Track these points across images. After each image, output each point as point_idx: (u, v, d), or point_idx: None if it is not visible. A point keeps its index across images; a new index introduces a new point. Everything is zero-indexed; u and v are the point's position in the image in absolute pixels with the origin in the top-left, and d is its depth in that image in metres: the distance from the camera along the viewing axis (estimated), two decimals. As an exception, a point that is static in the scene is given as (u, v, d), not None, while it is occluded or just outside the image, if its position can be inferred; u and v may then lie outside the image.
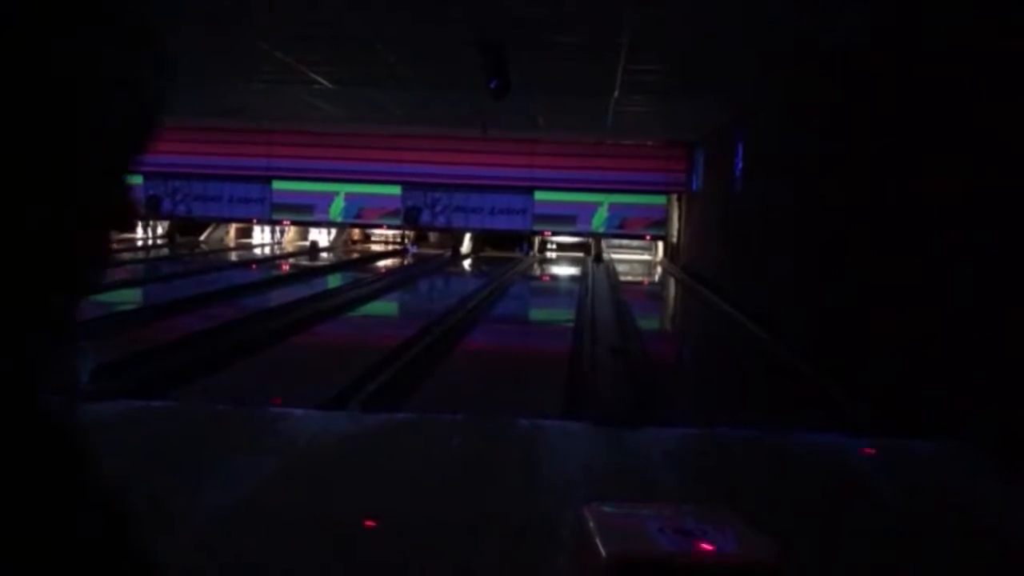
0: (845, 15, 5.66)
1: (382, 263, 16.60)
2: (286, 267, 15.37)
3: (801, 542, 2.65)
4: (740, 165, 11.01)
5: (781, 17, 5.77)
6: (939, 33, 5.11)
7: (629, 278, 15.04)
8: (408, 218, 17.35)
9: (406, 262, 16.93)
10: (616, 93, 9.29)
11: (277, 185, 17.29)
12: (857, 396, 5.42)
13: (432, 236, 19.45)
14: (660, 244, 18.26)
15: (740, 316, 9.32)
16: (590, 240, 17.87)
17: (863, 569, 2.79)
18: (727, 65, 7.79)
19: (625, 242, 18.85)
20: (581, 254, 18.14)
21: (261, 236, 20.11)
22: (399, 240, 19.35)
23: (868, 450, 4.01)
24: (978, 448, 3.99)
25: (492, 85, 7.04)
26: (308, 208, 17.53)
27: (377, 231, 19.34)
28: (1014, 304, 4.09)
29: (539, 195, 17.02)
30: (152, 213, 17.91)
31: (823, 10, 5.52)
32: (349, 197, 17.39)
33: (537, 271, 16.64)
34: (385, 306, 11.28)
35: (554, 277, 16.10)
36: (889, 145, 5.77)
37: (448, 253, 17.90)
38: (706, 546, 1.71)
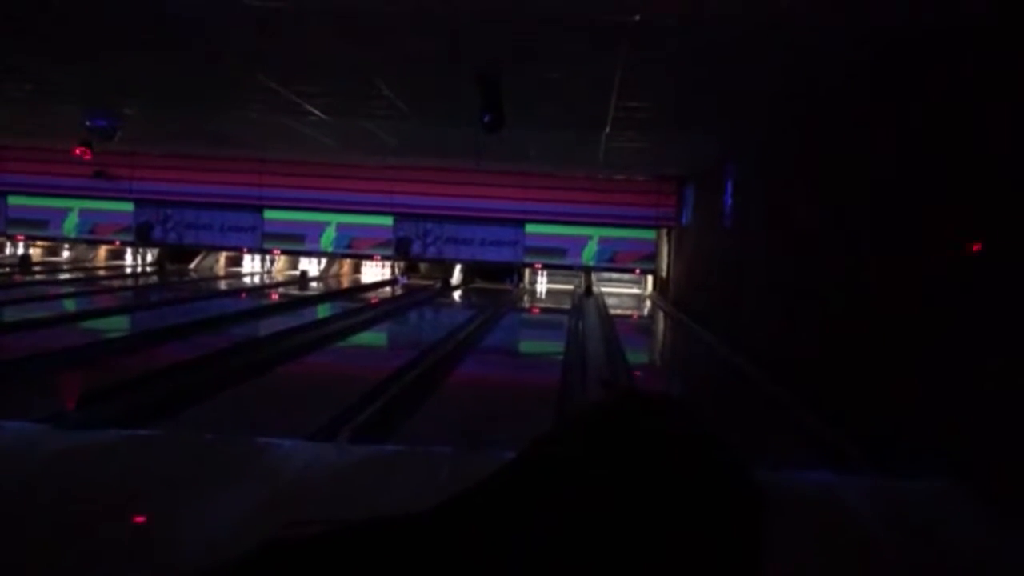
0: (835, 59, 5.78)
1: (372, 293, 16.58)
2: (275, 296, 15.33)
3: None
4: (729, 201, 11.13)
5: (771, 62, 5.88)
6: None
7: (619, 311, 15.07)
8: (399, 249, 17.39)
9: (396, 293, 16.92)
10: (608, 128, 9.39)
11: (269, 214, 17.32)
12: (845, 433, 5.43)
13: (423, 267, 19.49)
14: (650, 278, 18.36)
15: (729, 351, 9.35)
16: (580, 273, 17.94)
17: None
18: (717, 104, 7.90)
19: (615, 276, 18.93)
20: (571, 287, 18.19)
21: (251, 265, 20.09)
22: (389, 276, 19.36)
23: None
24: (970, 487, 4.00)
25: (485, 119, 7.11)
26: (299, 237, 17.55)
27: (369, 263, 19.35)
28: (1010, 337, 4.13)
29: (530, 227, 17.12)
30: (143, 240, 17.89)
31: (810, 54, 5.63)
32: (340, 227, 17.43)
33: (527, 303, 16.67)
34: (375, 336, 11.26)
35: (544, 309, 16.12)
36: (881, 179, 5.86)
37: (438, 284, 17.92)
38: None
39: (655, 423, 0.65)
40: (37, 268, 17.35)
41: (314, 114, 9.41)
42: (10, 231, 18.08)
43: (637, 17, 4.91)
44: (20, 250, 18.63)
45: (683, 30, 5.16)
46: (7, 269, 16.71)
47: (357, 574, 0.60)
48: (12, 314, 10.15)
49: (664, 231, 17.07)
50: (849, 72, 6.10)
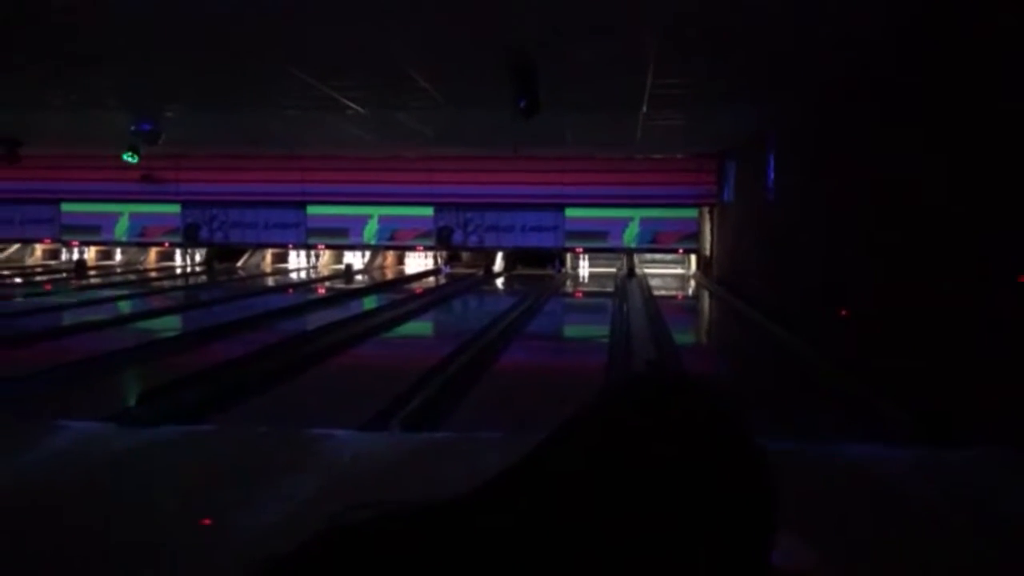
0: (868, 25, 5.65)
1: (416, 284, 16.73)
2: (322, 290, 15.57)
3: (840, 552, 2.63)
4: (772, 175, 10.95)
5: (808, 28, 5.77)
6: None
7: (663, 292, 14.97)
8: (441, 238, 17.49)
9: (440, 282, 17.05)
10: (645, 107, 9.31)
11: (311, 210, 17.56)
12: (901, 408, 5.35)
13: (465, 256, 19.58)
14: (693, 257, 18.18)
15: (777, 328, 9.24)
16: (622, 256, 17.85)
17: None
18: (755, 80, 7.78)
19: (658, 257, 18.79)
20: (614, 270, 18.12)
21: (297, 260, 20.40)
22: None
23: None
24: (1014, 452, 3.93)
25: (521, 105, 7.11)
26: (343, 232, 17.77)
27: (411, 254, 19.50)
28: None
29: (570, 212, 17.07)
30: (191, 241, 18.30)
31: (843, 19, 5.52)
32: (382, 220, 17.60)
33: (570, 288, 16.65)
34: (420, 326, 11.37)
35: (587, 293, 16.09)
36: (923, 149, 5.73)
37: (481, 272, 17.99)
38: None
39: (671, 403, 0.66)
40: (92, 272, 17.87)
41: (351, 108, 9.51)
42: (64, 237, 18.64)
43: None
44: (75, 255, 19.21)
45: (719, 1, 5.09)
46: (64, 275, 17.24)
47: (408, 557, 0.63)
48: (72, 317, 10.49)
49: (706, 209, 16.88)
50: (896, 35, 5.96)
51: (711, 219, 16.64)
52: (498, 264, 18.93)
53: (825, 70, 7.29)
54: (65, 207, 18.19)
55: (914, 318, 5.76)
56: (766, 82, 8.10)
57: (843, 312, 4.32)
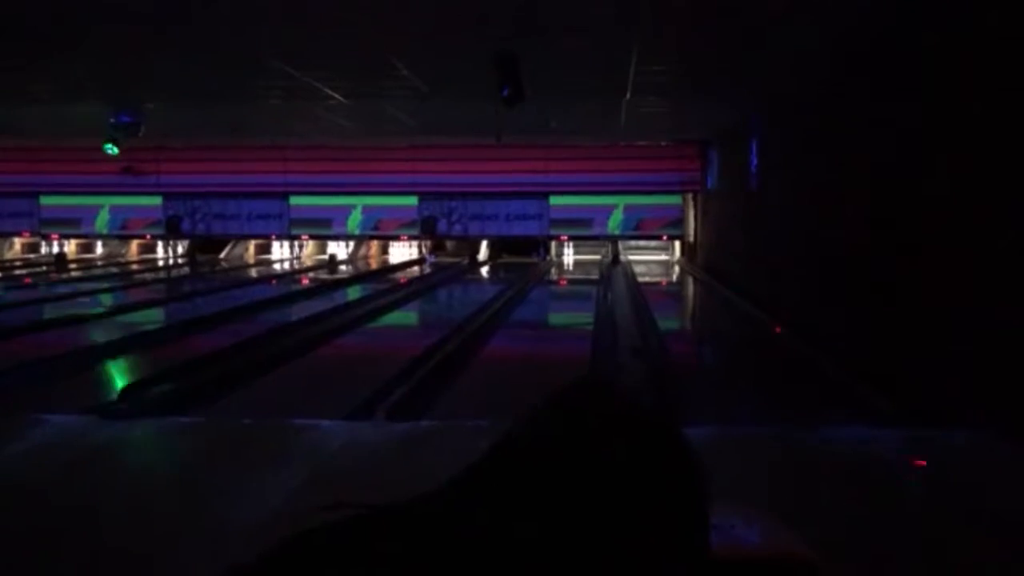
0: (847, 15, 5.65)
1: (401, 274, 16.68)
2: (306, 281, 15.49)
3: (829, 536, 2.65)
4: (755, 162, 10.99)
5: (784, 19, 5.77)
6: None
7: (647, 279, 15.01)
8: (425, 228, 17.44)
9: (424, 272, 17.01)
10: (628, 95, 9.30)
11: (294, 200, 17.45)
12: (881, 392, 5.39)
13: (449, 245, 19.54)
14: (677, 244, 18.24)
15: (760, 313, 9.28)
16: (607, 243, 17.87)
17: (894, 563, 2.78)
18: (737, 65, 7.78)
19: (642, 243, 18.83)
20: (598, 257, 18.14)
21: (280, 251, 20.29)
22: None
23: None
24: (1005, 436, 3.96)
25: (504, 93, 7.08)
26: (326, 222, 17.67)
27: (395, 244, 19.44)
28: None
29: (554, 200, 17.07)
30: (173, 233, 18.14)
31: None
32: (366, 209, 17.52)
33: (555, 275, 16.66)
34: (405, 316, 11.34)
35: (572, 281, 16.11)
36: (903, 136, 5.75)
37: (465, 261, 17.96)
38: (735, 539, 1.71)
39: (599, 407, 0.71)
40: (72, 266, 17.69)
41: (333, 97, 9.43)
42: (44, 230, 18.43)
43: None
44: (55, 248, 19.00)
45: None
46: (44, 268, 17.06)
47: (377, 558, 0.65)
48: (52, 311, 10.38)
49: (690, 196, 16.92)
50: (877, 25, 5.97)
51: (695, 206, 16.68)
52: (483, 253, 18.90)
53: (807, 58, 7.31)
54: (44, 200, 17.98)
55: (899, 301, 5.80)
56: (747, 70, 8.11)
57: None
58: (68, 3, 5.57)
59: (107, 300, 12.28)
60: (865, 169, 6.54)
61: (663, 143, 16.15)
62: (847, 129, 7.06)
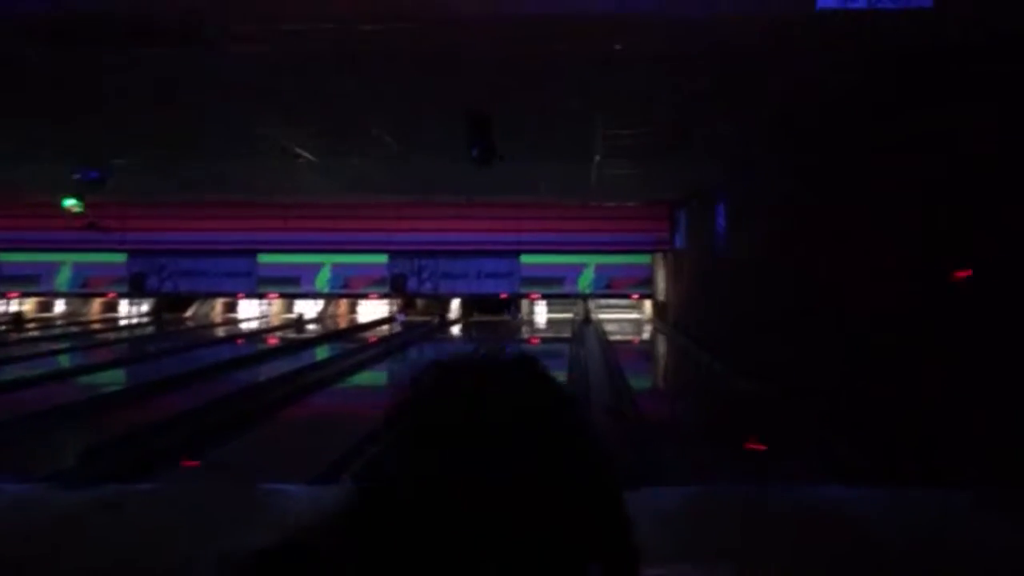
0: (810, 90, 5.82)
1: (370, 333, 16.53)
2: (273, 340, 15.27)
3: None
4: (722, 223, 11.16)
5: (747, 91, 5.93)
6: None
7: (619, 337, 15.04)
8: (395, 286, 17.37)
9: (394, 331, 16.87)
10: (598, 156, 9.44)
11: (262, 258, 17.31)
12: (856, 448, 5.39)
13: (420, 303, 19.46)
14: (648, 302, 18.35)
15: (729, 370, 9.30)
16: (578, 301, 17.93)
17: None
18: (705, 131, 7.95)
19: (614, 302, 18.92)
20: (570, 315, 18.17)
21: (248, 310, 20.04)
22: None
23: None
24: (983, 494, 3.96)
25: (475, 153, 7.14)
26: (294, 280, 17.53)
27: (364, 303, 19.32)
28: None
29: (525, 258, 17.13)
30: (137, 291, 17.85)
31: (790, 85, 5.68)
32: (335, 267, 17.43)
33: (526, 334, 16.63)
34: (374, 376, 11.19)
35: (544, 339, 16.08)
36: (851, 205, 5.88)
37: (436, 320, 17.88)
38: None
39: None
40: (31, 325, 17.28)
41: (304, 156, 9.44)
42: (1, 289, 18.03)
43: (618, 47, 4.95)
44: (12, 307, 18.56)
45: (663, 59, 5.20)
46: (0, 327, 16.64)
47: None
48: (8, 373, 10.08)
49: (660, 255, 17.10)
50: (839, 93, 6.15)
51: (665, 265, 16.85)
52: (454, 311, 18.85)
53: (773, 129, 7.49)
54: (2, 256, 17.63)
55: (867, 353, 5.84)
56: (713, 138, 8.29)
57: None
58: (36, 62, 5.54)
59: (67, 361, 11.98)
60: (827, 232, 6.66)
61: (632, 204, 16.37)
62: (807, 195, 7.21)
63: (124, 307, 19.85)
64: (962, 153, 4.61)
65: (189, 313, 19.30)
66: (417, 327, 16.94)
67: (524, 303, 18.61)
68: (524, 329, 17.28)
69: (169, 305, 18.87)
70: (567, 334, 15.05)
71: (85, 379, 10.16)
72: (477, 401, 0.68)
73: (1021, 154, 4.09)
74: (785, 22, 4.55)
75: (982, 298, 4.34)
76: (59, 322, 18.24)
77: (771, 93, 6.31)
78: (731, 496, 4.24)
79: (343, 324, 18.52)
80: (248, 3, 4.05)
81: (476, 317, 18.62)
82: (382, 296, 18.18)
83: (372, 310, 19.66)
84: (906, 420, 5.09)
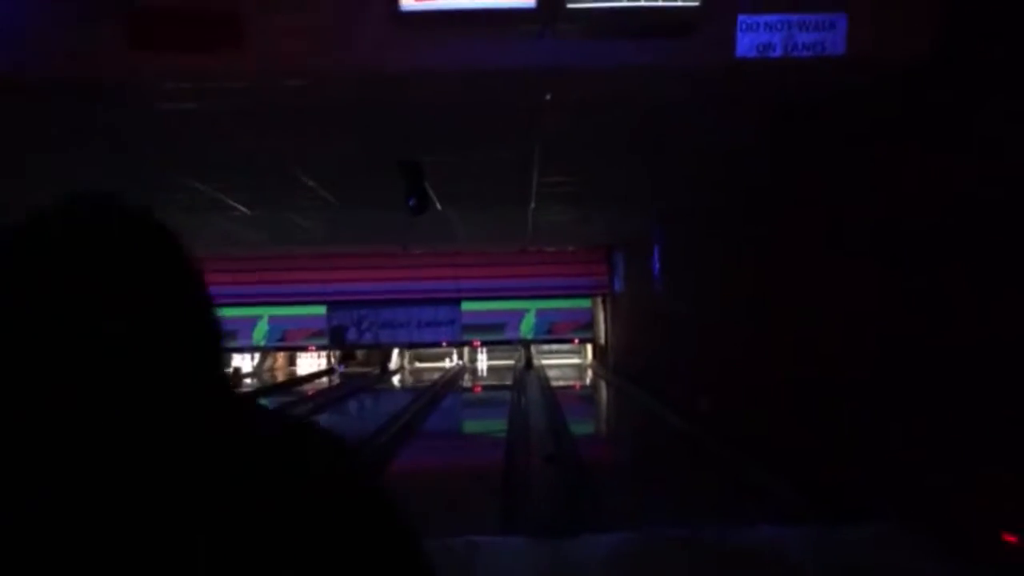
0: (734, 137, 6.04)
1: (309, 386, 16.23)
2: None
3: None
4: (657, 266, 11.38)
5: (675, 143, 6.14)
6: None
7: (560, 383, 15.07)
8: (334, 338, 17.14)
9: (333, 382, 16.61)
10: (533, 203, 9.56)
11: (197, 312, 16.90)
12: (791, 486, 5.47)
13: (360, 353, 19.22)
14: (589, 347, 18.47)
15: (668, 412, 9.39)
16: (520, 347, 17.95)
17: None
18: (636, 177, 8.15)
19: (555, 347, 18.99)
20: (512, 362, 18.17)
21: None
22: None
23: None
24: (915, 529, 4.05)
25: (410, 203, 7.16)
26: (230, 334, 17.14)
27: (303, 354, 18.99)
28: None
29: (466, 305, 17.12)
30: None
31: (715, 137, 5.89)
32: (272, 320, 17.13)
33: (468, 382, 16.54)
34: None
35: (486, 387, 16.01)
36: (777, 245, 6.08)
37: (377, 370, 17.67)
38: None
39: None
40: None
41: (237, 209, 9.34)
42: None
43: (548, 96, 5.06)
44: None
45: (593, 109, 5.34)
46: None
47: None
48: None
49: (600, 299, 17.29)
50: (759, 138, 6.39)
51: (605, 309, 17.04)
52: (394, 361, 18.67)
53: (702, 175, 7.72)
54: None
55: (799, 395, 5.97)
56: (644, 184, 8.50)
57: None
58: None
59: None
60: (749, 276, 6.85)
61: (571, 248, 16.56)
62: (734, 240, 7.42)
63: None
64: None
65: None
66: (357, 378, 16.71)
67: (466, 350, 18.55)
68: (467, 377, 17.20)
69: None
70: (509, 381, 15.03)
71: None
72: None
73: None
74: (704, 71, 4.73)
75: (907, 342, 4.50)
76: None
77: (686, 141, 6.53)
78: (668, 539, 4.25)
79: (281, 377, 18.15)
80: (172, 63, 4.04)
81: (417, 365, 18.48)
82: (320, 348, 17.92)
83: (311, 362, 19.34)
84: (833, 458, 5.20)
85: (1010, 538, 3.43)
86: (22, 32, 4.04)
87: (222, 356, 0.82)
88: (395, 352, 18.58)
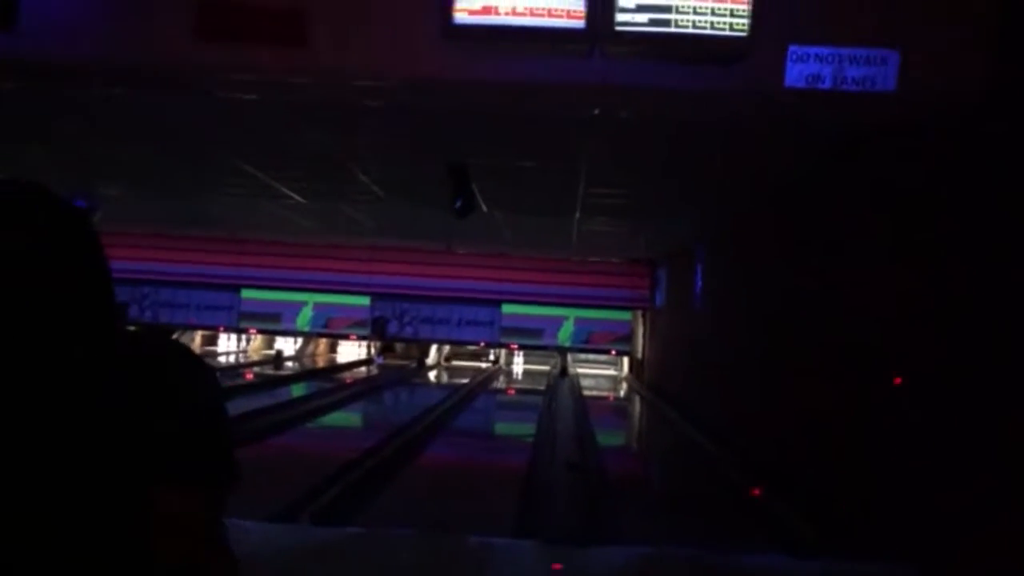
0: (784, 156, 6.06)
1: (347, 373, 16.53)
2: (250, 376, 15.25)
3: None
4: (700, 284, 11.36)
5: (732, 152, 6.16)
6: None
7: (593, 393, 15.11)
8: (375, 328, 17.42)
9: (371, 372, 16.89)
10: (578, 214, 9.65)
11: (246, 293, 17.35)
12: (811, 523, 5.47)
13: (399, 346, 19.51)
14: (626, 360, 18.45)
15: (701, 435, 9.38)
16: (557, 353, 18.02)
17: None
18: (682, 192, 8.19)
19: (592, 357, 19.01)
20: (547, 367, 18.24)
21: (227, 344, 20.01)
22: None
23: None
24: (922, 568, 4.05)
25: (457, 205, 7.32)
26: (276, 317, 17.55)
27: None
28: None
29: (506, 308, 17.23)
30: (120, 320, 17.76)
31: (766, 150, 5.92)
32: (317, 307, 17.48)
33: (503, 383, 16.67)
34: (347, 417, 11.20)
35: (519, 390, 16.12)
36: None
37: (414, 364, 17.91)
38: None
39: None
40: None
41: (292, 198, 9.61)
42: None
43: (596, 112, 5.16)
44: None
45: (640, 124, 5.42)
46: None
47: None
48: None
49: (640, 313, 17.26)
50: (814, 158, 6.39)
51: (644, 323, 17.01)
52: (432, 356, 18.89)
53: (750, 192, 7.73)
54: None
55: (827, 427, 5.96)
56: (689, 199, 8.52)
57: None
58: (29, 95, 5.70)
59: None
60: (796, 299, 6.84)
61: (614, 260, 16.58)
62: (780, 263, 7.41)
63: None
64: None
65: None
66: (395, 370, 16.96)
67: (503, 352, 18.68)
68: (501, 379, 17.33)
69: (148, 334, 18.80)
70: (543, 387, 15.11)
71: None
72: None
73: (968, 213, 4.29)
74: (752, 98, 4.78)
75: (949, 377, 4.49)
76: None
77: (731, 165, 6.56)
78: (676, 558, 4.31)
79: (321, 363, 18.51)
80: (237, 55, 4.24)
81: (454, 363, 18.67)
82: (361, 338, 18.22)
83: (351, 351, 19.68)
84: (855, 493, 5.19)
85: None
86: (89, 21, 4.27)
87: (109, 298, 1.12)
88: (433, 348, 18.79)
